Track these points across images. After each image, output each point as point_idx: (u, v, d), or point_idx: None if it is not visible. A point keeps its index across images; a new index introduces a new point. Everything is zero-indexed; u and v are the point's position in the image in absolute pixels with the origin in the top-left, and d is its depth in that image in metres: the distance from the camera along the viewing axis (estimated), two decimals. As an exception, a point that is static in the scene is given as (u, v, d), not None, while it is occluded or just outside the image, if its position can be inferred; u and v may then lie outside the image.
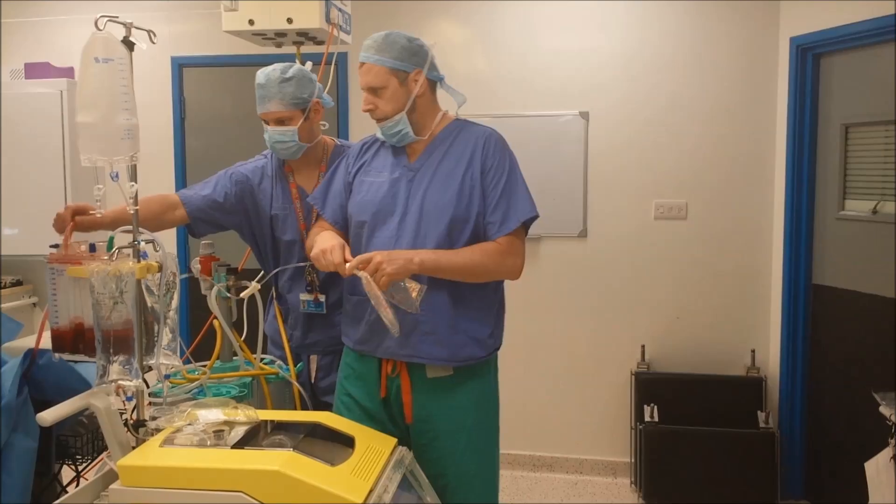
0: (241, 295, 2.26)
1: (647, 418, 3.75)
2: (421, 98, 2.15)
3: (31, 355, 1.91)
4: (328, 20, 2.81)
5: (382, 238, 2.13)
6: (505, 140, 2.22)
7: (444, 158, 2.17)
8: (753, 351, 3.97)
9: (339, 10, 2.95)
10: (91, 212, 2.08)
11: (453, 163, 2.16)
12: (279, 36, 2.89)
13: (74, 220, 2.05)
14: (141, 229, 1.81)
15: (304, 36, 2.88)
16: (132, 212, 1.80)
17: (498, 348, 2.27)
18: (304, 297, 2.49)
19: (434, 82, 2.21)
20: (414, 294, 1.97)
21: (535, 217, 2.17)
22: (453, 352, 2.12)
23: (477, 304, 2.17)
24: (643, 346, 4.10)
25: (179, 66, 4.54)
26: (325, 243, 2.04)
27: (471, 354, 2.16)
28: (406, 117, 2.13)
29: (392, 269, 1.94)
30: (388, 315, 1.96)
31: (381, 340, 2.12)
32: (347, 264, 1.97)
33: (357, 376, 2.23)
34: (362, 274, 1.94)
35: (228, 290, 2.33)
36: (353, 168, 2.26)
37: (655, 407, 3.78)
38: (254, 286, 2.26)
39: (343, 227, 2.26)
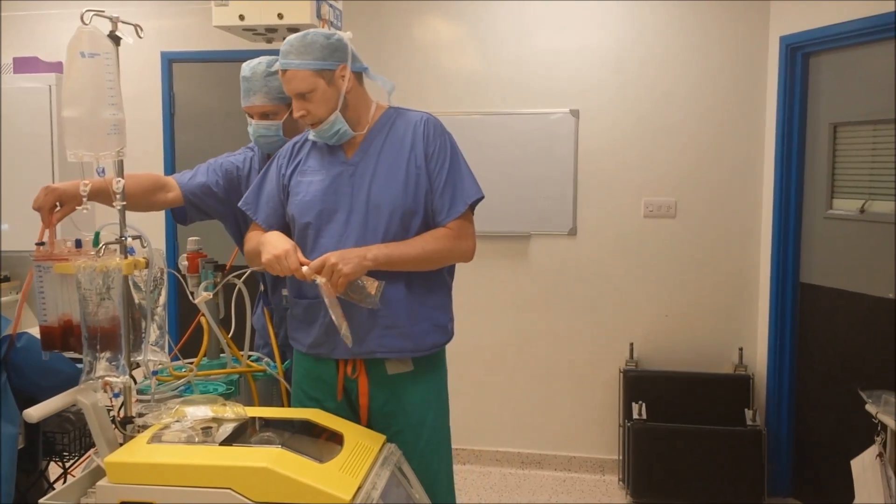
0: (196, 301, 2.25)
1: (635, 416, 3.77)
2: (351, 93, 2.10)
3: (10, 340, 1.89)
4: (319, 16, 2.81)
5: (329, 237, 2.09)
6: (442, 123, 2.19)
7: (382, 150, 2.14)
8: (741, 349, 3.99)
9: (331, 6, 2.94)
10: (78, 207, 2.04)
11: (394, 153, 2.13)
12: (269, 32, 2.88)
13: (53, 216, 2.00)
14: (129, 224, 1.80)
15: (295, 32, 2.86)
16: (119, 208, 1.78)
17: (453, 333, 2.25)
18: (286, 292, 2.45)
19: (360, 74, 2.15)
20: (372, 291, 1.95)
21: (482, 198, 2.16)
22: (417, 342, 2.11)
23: (434, 291, 2.16)
24: (631, 344, 4.11)
25: (169, 62, 4.52)
26: (276, 248, 1.98)
27: (434, 342, 2.15)
28: (341, 115, 2.09)
29: (348, 268, 1.92)
30: (343, 326, 1.94)
31: (337, 342, 2.06)
32: (304, 268, 1.94)
33: (314, 377, 2.18)
34: (320, 280, 1.91)
35: (215, 286, 2.32)
36: (286, 170, 2.20)
37: (643, 404, 3.79)
38: (205, 294, 2.25)
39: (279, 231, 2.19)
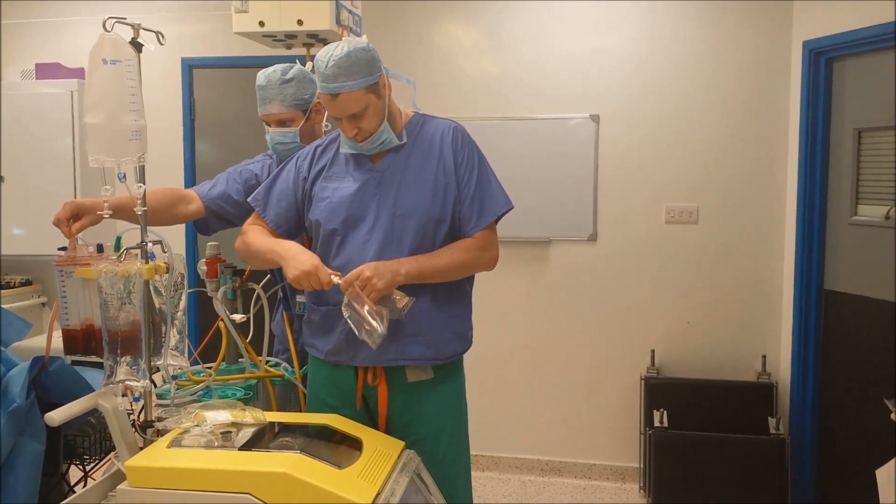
0: (238, 319, 2.28)
1: (656, 423, 3.73)
2: (390, 100, 2.09)
3: (42, 362, 1.91)
4: (338, 22, 2.81)
5: (353, 244, 2.08)
6: (468, 133, 2.19)
7: (410, 157, 2.12)
8: (764, 356, 3.95)
9: (350, 11, 2.95)
10: (98, 212, 2.05)
11: (421, 161, 2.11)
12: (289, 38, 2.89)
13: (72, 227, 2.01)
14: (150, 229, 1.81)
15: (315, 38, 2.88)
16: (140, 213, 1.79)
17: (472, 342, 2.24)
18: (300, 298, 2.43)
19: None
20: (401, 305, 1.96)
21: (510, 209, 2.15)
22: (438, 350, 2.10)
23: (456, 300, 2.16)
24: (653, 351, 4.08)
25: (190, 68, 4.55)
26: (303, 264, 1.94)
27: (455, 351, 2.15)
28: (388, 125, 2.08)
29: (382, 283, 1.92)
30: (375, 326, 1.91)
31: (358, 349, 2.07)
32: (337, 279, 1.93)
33: (333, 385, 2.17)
34: (350, 292, 1.91)
35: (234, 292, 2.32)
36: (308, 173, 2.17)
37: (665, 412, 3.76)
38: (241, 316, 2.28)
39: (285, 232, 2.18)
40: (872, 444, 3.37)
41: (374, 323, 1.92)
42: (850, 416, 3.57)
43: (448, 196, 2.09)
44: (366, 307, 1.92)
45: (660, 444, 3.69)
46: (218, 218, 2.46)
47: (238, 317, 2.29)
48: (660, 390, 3.91)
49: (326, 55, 1.97)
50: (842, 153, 3.58)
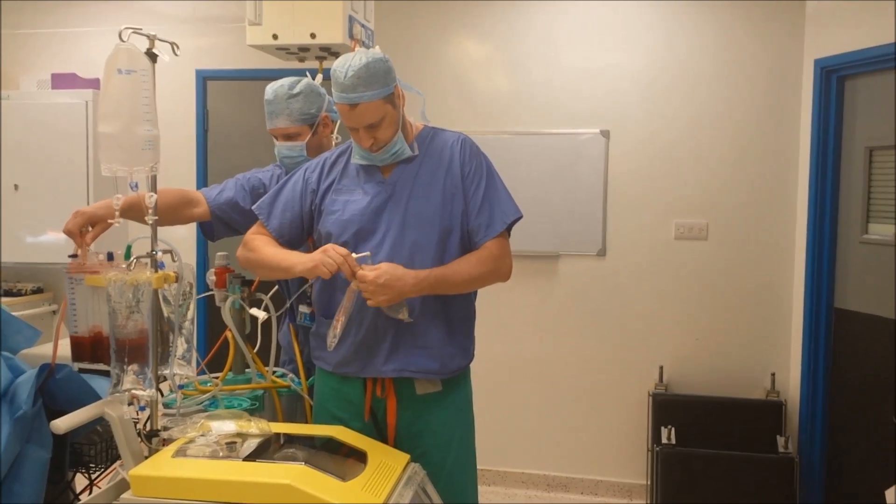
0: (261, 317, 2.28)
1: (664, 440, 3.71)
2: (402, 110, 2.11)
3: (49, 369, 1.92)
4: (351, 36, 2.83)
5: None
6: (477, 144, 2.19)
7: (420, 169, 2.13)
8: (773, 374, 3.92)
9: (362, 25, 2.97)
10: (109, 220, 2.06)
11: (431, 173, 2.12)
12: (302, 51, 2.91)
13: (86, 237, 2.03)
14: (160, 239, 1.82)
15: (327, 51, 2.89)
16: (151, 222, 1.80)
17: (474, 355, 2.25)
18: (303, 309, 2.43)
19: None
20: (402, 317, 1.99)
21: (520, 218, 2.15)
22: (444, 364, 2.10)
23: (464, 314, 2.17)
24: (661, 367, 4.06)
25: (203, 79, 4.58)
26: (313, 255, 1.97)
27: (459, 365, 2.15)
28: (402, 135, 2.09)
29: (385, 299, 1.93)
30: (337, 328, 1.98)
31: (367, 360, 2.07)
32: (358, 271, 1.94)
33: (341, 397, 2.16)
34: (353, 288, 1.94)
35: (242, 302, 2.33)
36: (317, 185, 2.17)
37: (673, 429, 3.73)
38: (264, 314, 2.28)
39: (287, 243, 2.18)
40: (881, 464, 3.34)
41: (337, 333, 1.98)
42: (859, 435, 3.54)
43: (456, 207, 2.10)
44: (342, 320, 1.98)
45: (667, 461, 3.67)
46: (223, 224, 2.47)
47: (261, 314, 2.28)
48: (668, 407, 3.89)
49: (345, 65, 1.97)
50: (853, 171, 3.57)
